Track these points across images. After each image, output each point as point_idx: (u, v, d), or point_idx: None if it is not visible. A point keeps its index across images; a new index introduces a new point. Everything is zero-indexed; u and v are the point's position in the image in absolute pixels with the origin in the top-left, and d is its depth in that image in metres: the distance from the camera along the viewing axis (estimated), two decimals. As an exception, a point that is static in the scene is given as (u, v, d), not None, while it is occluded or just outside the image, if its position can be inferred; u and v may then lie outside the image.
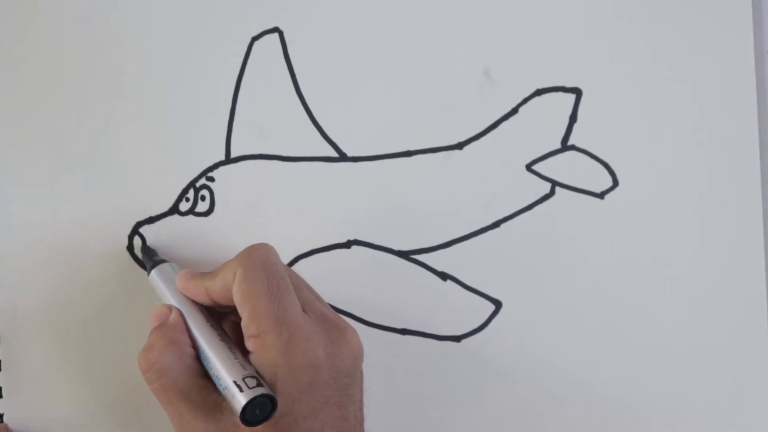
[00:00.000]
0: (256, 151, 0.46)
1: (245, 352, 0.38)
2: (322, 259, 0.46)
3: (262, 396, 0.35)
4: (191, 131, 0.46)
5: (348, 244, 0.46)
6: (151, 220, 0.45)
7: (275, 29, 0.46)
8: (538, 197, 0.46)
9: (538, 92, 0.46)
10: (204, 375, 0.38)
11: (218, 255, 0.45)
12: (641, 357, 0.46)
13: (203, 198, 0.45)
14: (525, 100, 0.46)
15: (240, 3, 0.46)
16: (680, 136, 0.46)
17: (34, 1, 0.45)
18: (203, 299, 0.39)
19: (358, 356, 0.38)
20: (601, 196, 0.46)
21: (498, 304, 0.46)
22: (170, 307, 0.40)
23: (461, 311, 0.46)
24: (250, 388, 0.35)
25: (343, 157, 0.46)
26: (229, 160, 0.46)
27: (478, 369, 0.46)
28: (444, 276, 0.46)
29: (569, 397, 0.46)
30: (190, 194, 0.45)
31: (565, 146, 0.46)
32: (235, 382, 0.35)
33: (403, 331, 0.46)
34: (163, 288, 0.41)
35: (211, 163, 0.46)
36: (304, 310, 0.37)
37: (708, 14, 0.46)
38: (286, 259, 0.45)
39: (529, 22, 0.46)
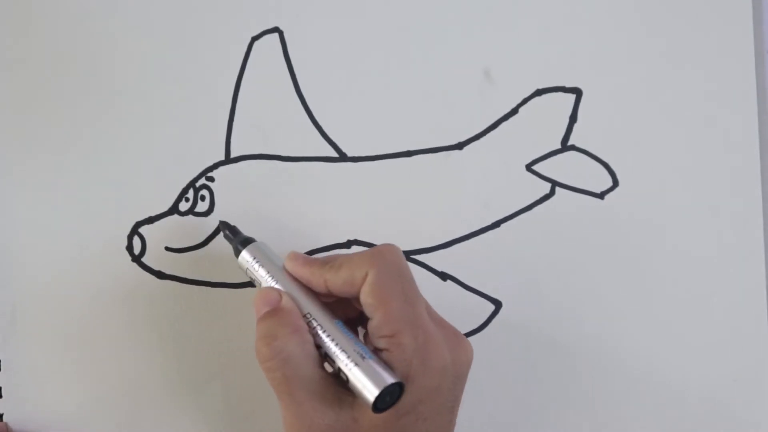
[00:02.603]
0: (256, 151, 0.46)
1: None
2: (322, 259, 0.46)
3: (396, 384, 0.35)
4: (191, 131, 0.46)
5: (348, 244, 0.46)
6: (150, 220, 0.45)
7: (275, 29, 0.46)
8: (538, 197, 0.46)
9: (538, 92, 0.46)
10: (321, 365, 0.37)
11: (218, 255, 0.45)
12: (641, 357, 0.46)
13: (203, 198, 0.45)
14: (525, 100, 0.46)
15: (240, 3, 0.46)
16: (680, 136, 0.46)
17: (35, 2, 0.45)
18: (318, 288, 0.39)
19: (470, 364, 0.38)
20: (601, 196, 0.46)
21: (498, 304, 0.46)
22: (279, 291, 0.39)
23: (461, 311, 0.46)
24: (385, 375, 0.35)
25: (343, 157, 0.46)
26: (229, 160, 0.46)
27: (478, 369, 0.46)
28: (444, 276, 0.46)
29: (569, 397, 0.46)
30: (190, 194, 0.45)
31: (565, 146, 0.46)
32: (370, 366, 0.35)
33: (403, 331, 0.46)
34: (261, 268, 0.40)
35: (211, 163, 0.46)
36: None
37: (708, 14, 0.46)
38: (286, 259, 0.45)
39: (529, 22, 0.46)
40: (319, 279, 0.38)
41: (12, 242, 0.45)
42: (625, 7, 0.46)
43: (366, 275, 0.37)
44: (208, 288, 0.45)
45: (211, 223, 0.45)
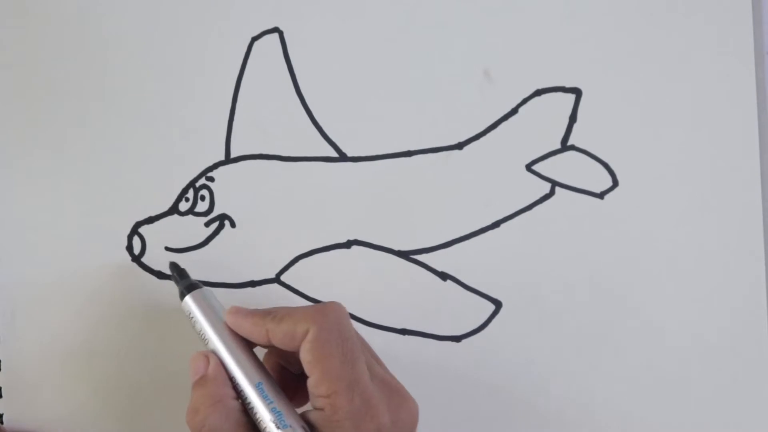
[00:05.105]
0: (256, 151, 0.46)
1: (290, 394, 0.38)
2: (322, 259, 0.46)
3: None
4: (191, 131, 0.46)
5: (348, 244, 0.46)
6: (150, 220, 0.45)
7: (275, 29, 0.46)
8: (538, 197, 0.46)
9: (538, 92, 0.46)
10: (254, 428, 0.37)
11: (218, 255, 0.45)
12: (641, 357, 0.46)
13: (203, 198, 0.45)
14: (525, 100, 0.46)
15: (240, 3, 0.46)
16: (680, 136, 0.46)
17: (34, 1, 0.45)
18: (259, 340, 0.39)
19: (415, 424, 0.38)
20: (600, 196, 0.46)
21: (498, 304, 0.46)
22: (207, 356, 0.39)
23: (461, 311, 0.46)
24: None
25: (343, 157, 0.46)
26: (228, 160, 0.46)
27: (478, 369, 0.46)
28: (444, 276, 0.46)
29: (569, 397, 0.46)
30: (190, 194, 0.45)
31: (565, 146, 0.46)
32: None
33: (403, 331, 0.46)
34: (200, 318, 0.40)
35: (211, 163, 0.46)
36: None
37: (708, 14, 0.46)
38: (285, 259, 0.45)
39: (529, 22, 0.46)
40: (261, 329, 0.38)
41: (12, 242, 0.45)
42: (625, 7, 0.46)
43: (307, 332, 0.37)
44: (208, 288, 0.45)
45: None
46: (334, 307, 0.38)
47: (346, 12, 0.46)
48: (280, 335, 0.38)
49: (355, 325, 0.45)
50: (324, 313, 0.38)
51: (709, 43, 0.46)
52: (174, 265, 0.42)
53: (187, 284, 0.41)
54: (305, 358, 0.37)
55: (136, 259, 0.45)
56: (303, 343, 0.37)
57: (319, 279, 0.45)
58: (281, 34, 0.46)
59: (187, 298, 0.41)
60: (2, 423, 0.45)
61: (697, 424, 0.46)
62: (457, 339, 0.46)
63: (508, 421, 0.46)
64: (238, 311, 0.39)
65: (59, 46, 0.45)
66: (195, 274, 0.45)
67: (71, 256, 0.45)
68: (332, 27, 0.46)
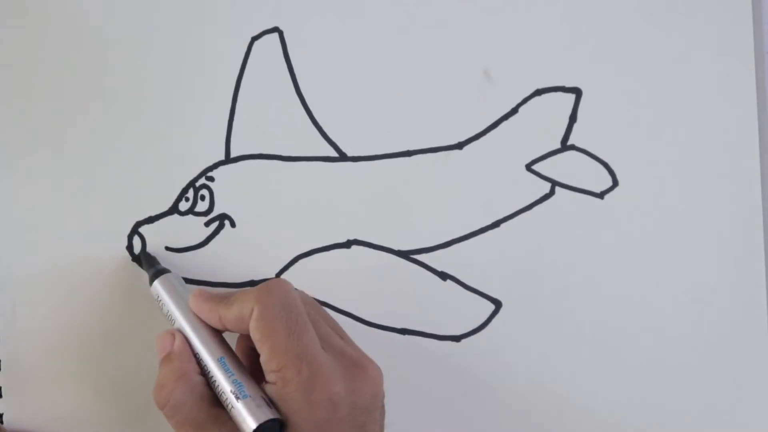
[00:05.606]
0: (256, 151, 0.46)
1: (255, 374, 0.38)
2: (322, 259, 0.46)
3: (271, 420, 0.36)
4: (191, 131, 0.46)
5: (348, 244, 0.46)
6: (150, 219, 0.45)
7: (275, 29, 0.46)
8: (538, 197, 0.46)
9: (538, 92, 0.46)
10: (217, 402, 0.38)
11: (217, 254, 0.45)
12: (641, 356, 0.46)
13: (203, 198, 0.45)
14: (525, 100, 0.46)
15: (240, 3, 0.46)
16: (680, 136, 0.46)
17: (34, 1, 0.45)
18: (216, 325, 0.40)
19: (377, 393, 0.38)
20: (600, 196, 0.46)
21: (498, 304, 0.46)
22: (173, 334, 0.40)
23: (461, 311, 0.46)
24: (259, 413, 0.36)
25: (343, 157, 0.46)
26: (228, 159, 0.46)
27: (478, 369, 0.46)
28: (444, 276, 0.46)
29: (569, 397, 0.46)
30: (190, 194, 0.45)
31: (565, 146, 0.46)
32: (244, 407, 0.36)
33: (403, 331, 0.46)
34: (167, 301, 0.41)
35: (210, 163, 0.46)
36: (322, 347, 0.38)
37: (708, 14, 0.46)
38: (285, 259, 0.45)
39: (529, 22, 0.46)
40: (215, 315, 0.39)
41: (12, 242, 0.45)
42: (625, 6, 0.46)
43: (252, 311, 0.38)
44: (208, 288, 0.45)
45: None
46: (277, 283, 0.39)
47: (346, 12, 0.46)
48: (231, 319, 0.39)
49: (355, 324, 0.45)
50: (267, 290, 0.38)
51: (709, 43, 0.46)
52: (145, 254, 0.44)
53: (155, 270, 0.43)
54: (254, 336, 0.37)
55: (137, 258, 0.45)
56: (250, 323, 0.37)
57: (319, 279, 0.45)
58: (281, 34, 0.46)
59: (156, 283, 0.42)
60: (2, 423, 0.45)
61: (697, 424, 0.46)
62: (456, 339, 0.46)
63: (508, 421, 0.46)
64: (200, 294, 0.40)
65: (59, 46, 0.45)
66: (195, 274, 0.45)
67: (71, 255, 0.45)
68: (332, 27, 0.46)
